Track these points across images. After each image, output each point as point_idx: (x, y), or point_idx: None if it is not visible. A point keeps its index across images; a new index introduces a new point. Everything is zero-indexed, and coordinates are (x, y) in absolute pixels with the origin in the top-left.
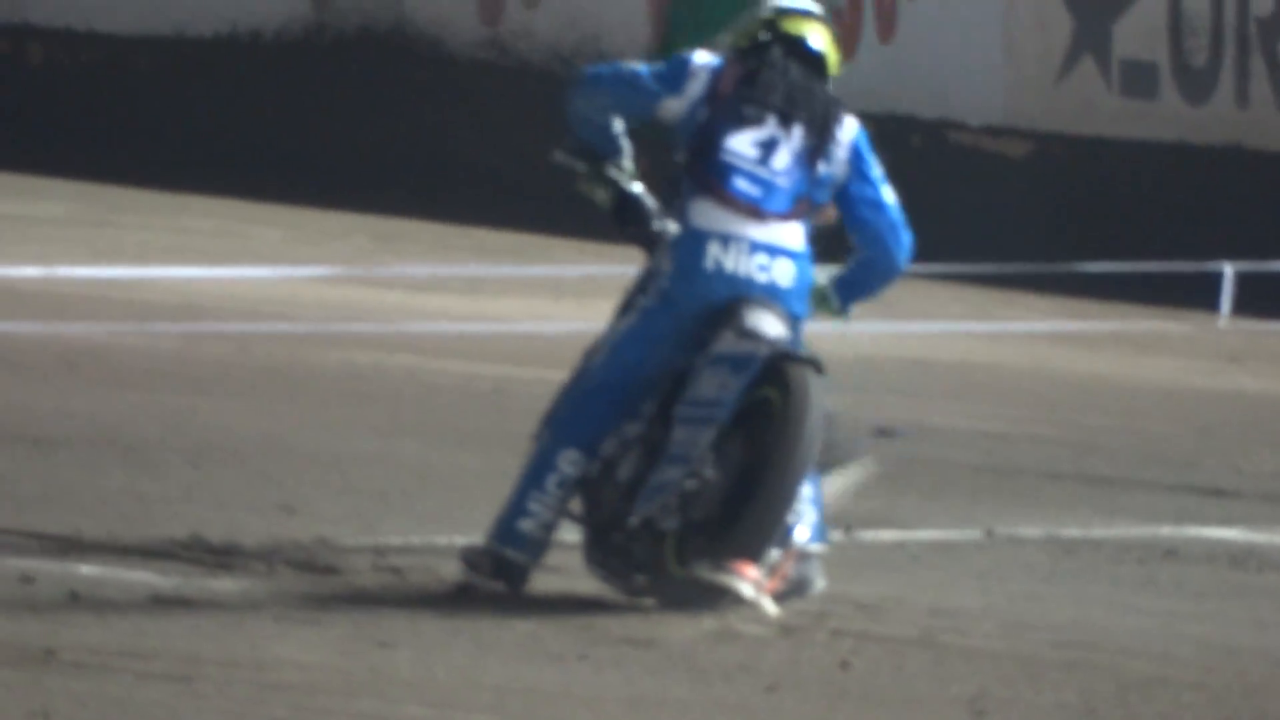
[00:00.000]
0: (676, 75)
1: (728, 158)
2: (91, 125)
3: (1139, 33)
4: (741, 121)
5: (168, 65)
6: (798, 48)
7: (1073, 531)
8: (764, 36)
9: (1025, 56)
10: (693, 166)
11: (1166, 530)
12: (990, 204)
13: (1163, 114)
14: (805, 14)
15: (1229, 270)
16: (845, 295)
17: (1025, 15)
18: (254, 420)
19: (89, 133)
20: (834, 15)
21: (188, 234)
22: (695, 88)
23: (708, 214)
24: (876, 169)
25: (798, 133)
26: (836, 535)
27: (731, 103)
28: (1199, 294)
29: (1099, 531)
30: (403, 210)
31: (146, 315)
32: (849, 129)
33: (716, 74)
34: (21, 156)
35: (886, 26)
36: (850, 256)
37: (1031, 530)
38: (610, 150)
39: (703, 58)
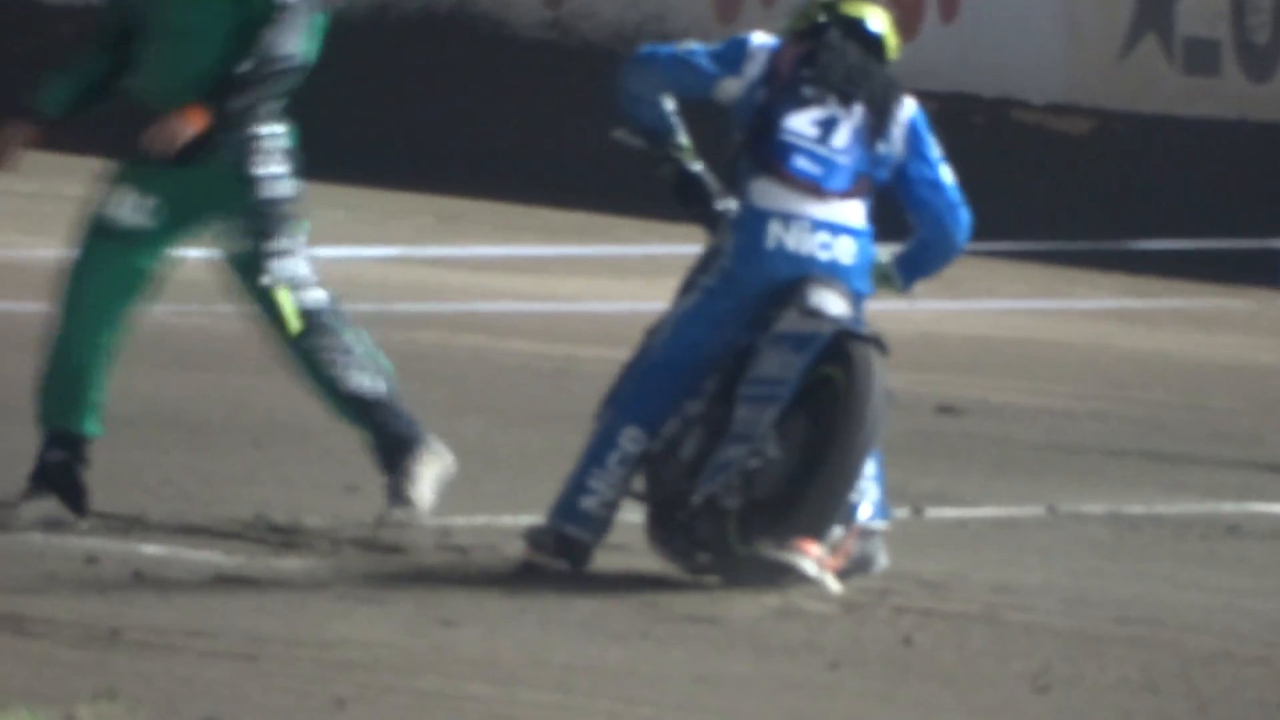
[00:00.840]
0: (735, 56)
1: (788, 137)
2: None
3: (1201, 10)
4: (801, 101)
5: None
6: (856, 29)
7: (1136, 508)
8: (822, 19)
9: (1087, 34)
10: (752, 146)
11: (1229, 507)
12: (1053, 182)
13: (1225, 92)
14: None
15: None
16: (907, 274)
17: None
18: (317, 401)
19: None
20: None
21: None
22: (753, 68)
23: (768, 193)
24: (935, 149)
25: (857, 111)
26: (900, 512)
27: (790, 83)
28: (1261, 271)
29: (1162, 508)
30: (466, 190)
31: (210, 296)
32: (907, 108)
33: (775, 54)
34: (73, 129)
35: (949, 6)
36: (910, 235)
37: (1094, 507)
38: (665, 127)
39: (760, 38)
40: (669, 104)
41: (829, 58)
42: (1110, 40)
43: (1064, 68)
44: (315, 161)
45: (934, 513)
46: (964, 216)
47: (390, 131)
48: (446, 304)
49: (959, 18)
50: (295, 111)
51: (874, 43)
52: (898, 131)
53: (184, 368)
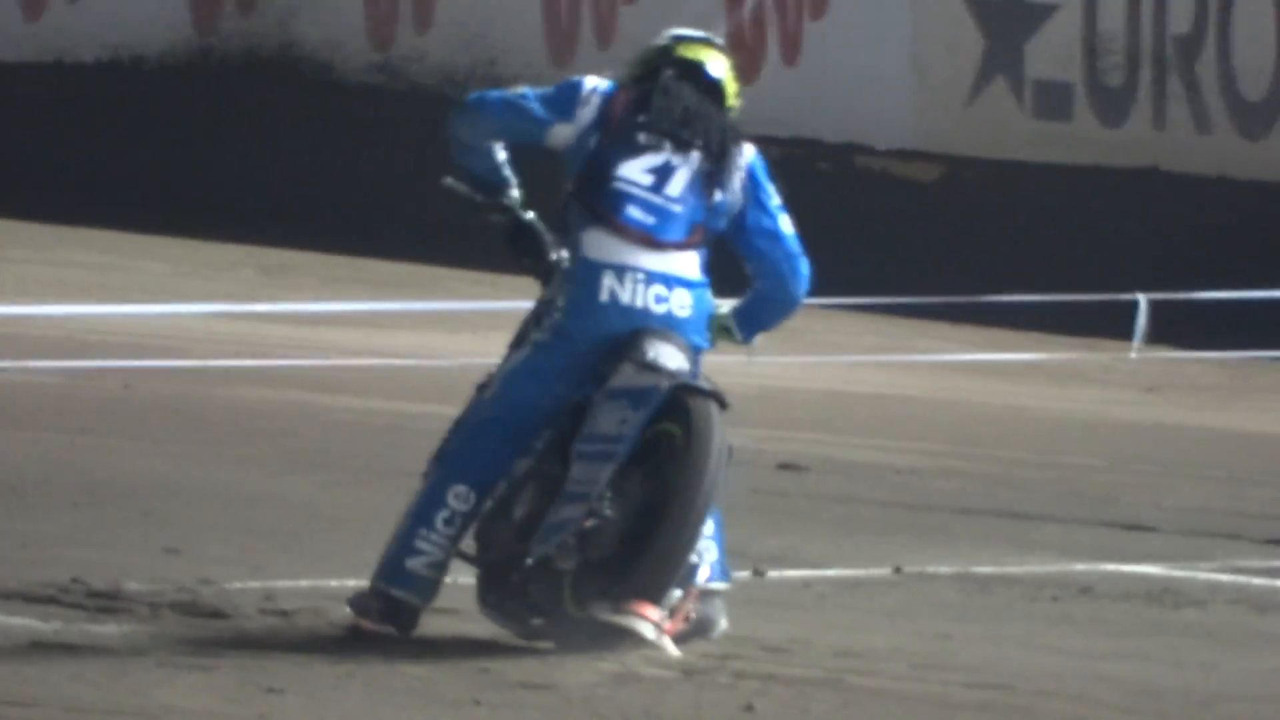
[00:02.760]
0: (567, 100)
1: (620, 185)
2: None
3: (1052, 52)
4: (635, 148)
5: (47, 92)
6: (695, 74)
7: (986, 568)
8: (661, 64)
9: (934, 77)
10: (583, 194)
11: (1083, 566)
12: (901, 230)
13: (1077, 136)
14: (704, 41)
15: (1143, 300)
16: (747, 327)
17: (935, 35)
18: (139, 459)
19: None
20: (736, 37)
21: (69, 267)
22: (586, 113)
23: (601, 244)
24: (774, 197)
25: (694, 158)
26: (741, 574)
27: (624, 129)
28: (1115, 323)
29: (1013, 568)
30: (292, 241)
31: (27, 352)
32: (746, 155)
33: (609, 99)
34: None
35: (791, 48)
36: (748, 287)
37: (943, 567)
38: (497, 178)
39: (594, 82)
40: (501, 152)
41: (664, 102)
42: (958, 83)
43: (911, 112)
44: (134, 211)
45: (776, 574)
46: (803, 267)
47: (212, 179)
48: (272, 359)
49: (801, 60)
50: (110, 158)
51: (713, 88)
52: (736, 179)
53: (0, 425)
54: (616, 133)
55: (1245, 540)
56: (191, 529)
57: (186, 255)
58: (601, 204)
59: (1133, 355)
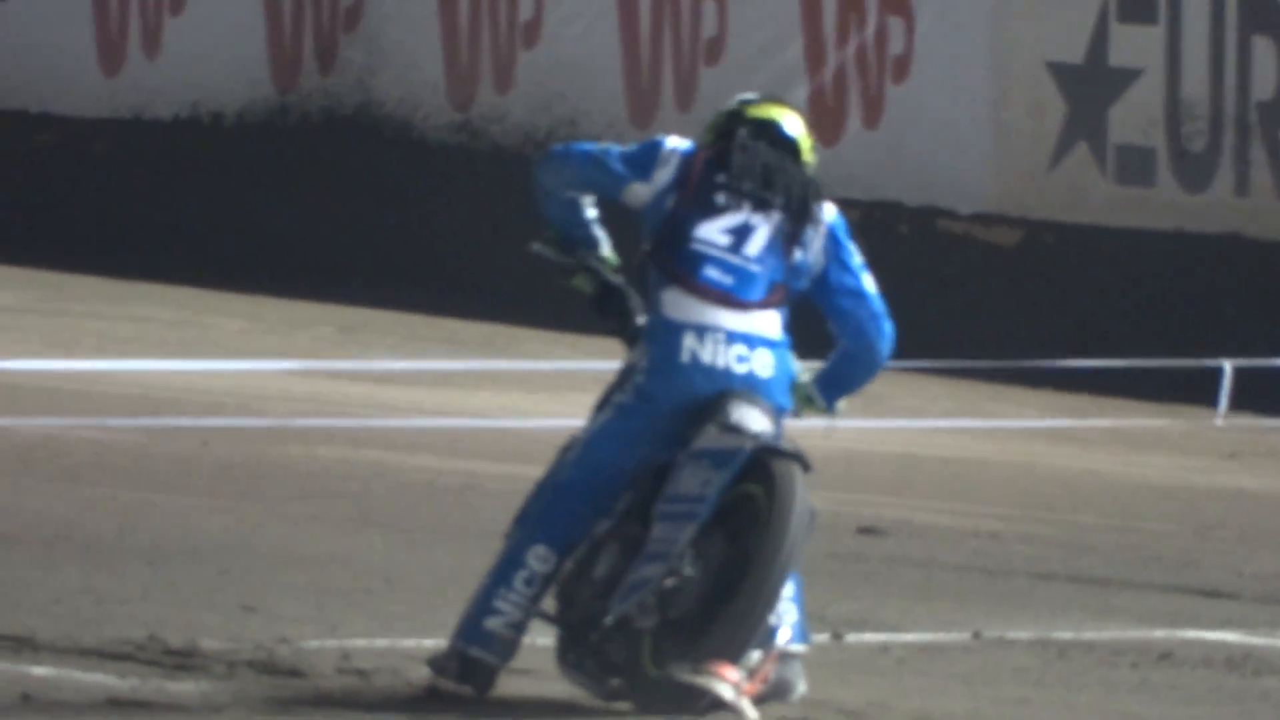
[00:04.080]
0: (647, 160)
1: (698, 246)
2: (46, 211)
3: (1135, 118)
4: (713, 209)
5: (125, 149)
6: (770, 132)
7: (1064, 634)
8: (734, 126)
9: (1016, 141)
10: (660, 256)
11: (1161, 633)
12: (980, 295)
13: (1159, 202)
14: (776, 100)
15: (1228, 366)
16: (829, 392)
17: (1017, 99)
18: (214, 517)
19: (43, 218)
20: (817, 99)
21: (145, 323)
22: (664, 174)
23: (680, 304)
24: (856, 256)
25: (775, 217)
26: (819, 637)
27: (702, 189)
28: (1197, 389)
29: (1091, 634)
30: (369, 300)
31: (103, 409)
32: (827, 213)
33: (687, 159)
34: None
35: (873, 110)
36: (831, 351)
37: (1021, 633)
38: (584, 236)
39: (675, 142)
40: (591, 212)
41: (743, 159)
42: (1040, 147)
43: (992, 176)
44: (211, 267)
45: (854, 638)
46: (888, 328)
47: (290, 237)
48: (349, 419)
49: (882, 123)
50: (187, 215)
51: (789, 145)
52: (816, 238)
53: (75, 482)
54: (694, 193)
55: None
56: (267, 587)
57: (263, 312)
58: (679, 265)
59: (1218, 423)
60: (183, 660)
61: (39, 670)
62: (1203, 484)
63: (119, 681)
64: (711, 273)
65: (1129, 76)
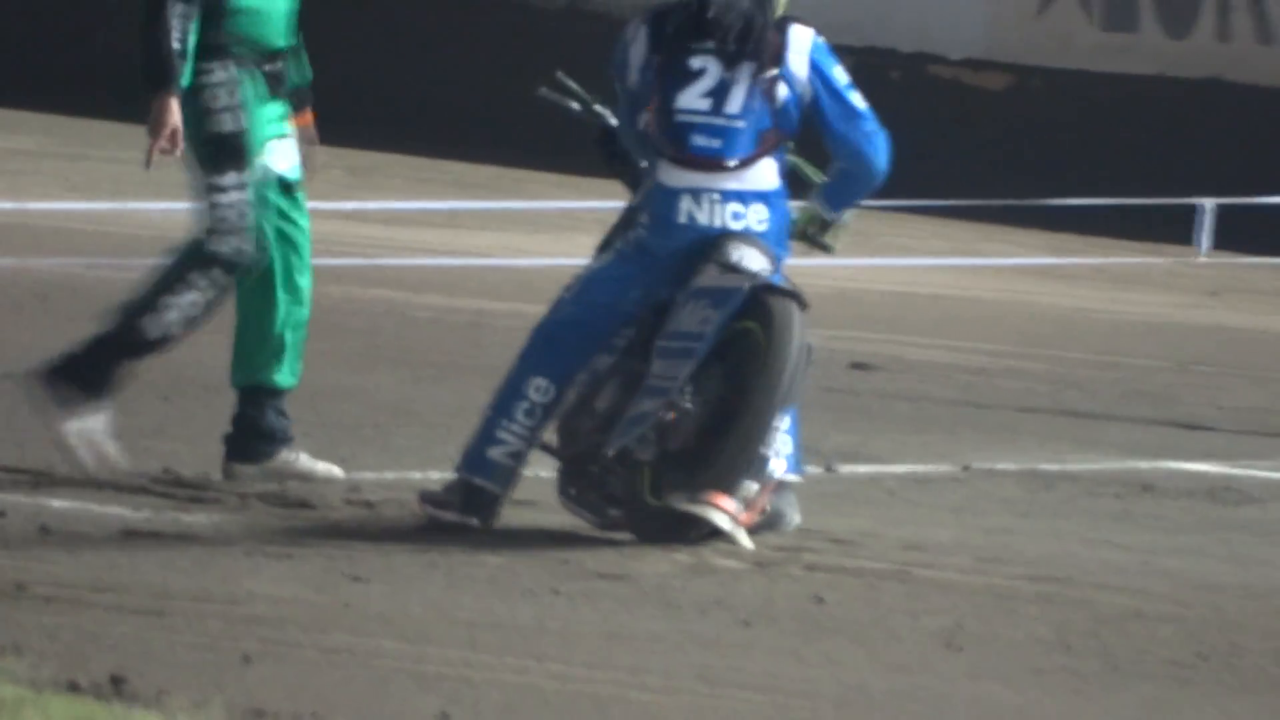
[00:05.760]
0: (621, 54)
1: (682, 117)
2: (62, 57)
3: None
4: (689, 75)
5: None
6: None
7: (1049, 466)
8: None
9: None
10: (652, 131)
11: (1144, 464)
12: (970, 138)
13: (1143, 47)
14: None
15: (1209, 205)
16: (834, 203)
17: None
18: (226, 354)
19: (60, 65)
20: None
21: (162, 167)
22: (638, 50)
23: (674, 174)
24: (841, 76)
25: (748, 66)
26: (813, 469)
27: (674, 57)
28: (1179, 228)
29: (1076, 466)
30: (380, 144)
31: (120, 249)
32: (803, 42)
33: (647, 34)
34: None
35: None
36: (830, 166)
37: (1008, 464)
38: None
39: (627, 31)
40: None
41: (689, 15)
42: None
43: (982, 23)
44: None
45: (847, 469)
46: (881, 141)
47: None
48: (359, 258)
49: None
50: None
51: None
52: (798, 71)
53: (93, 321)
54: (669, 62)
55: None
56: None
57: None
58: (669, 140)
59: (1200, 259)
60: (196, 493)
61: (57, 503)
62: (1184, 320)
63: (134, 514)
64: (699, 140)
65: None
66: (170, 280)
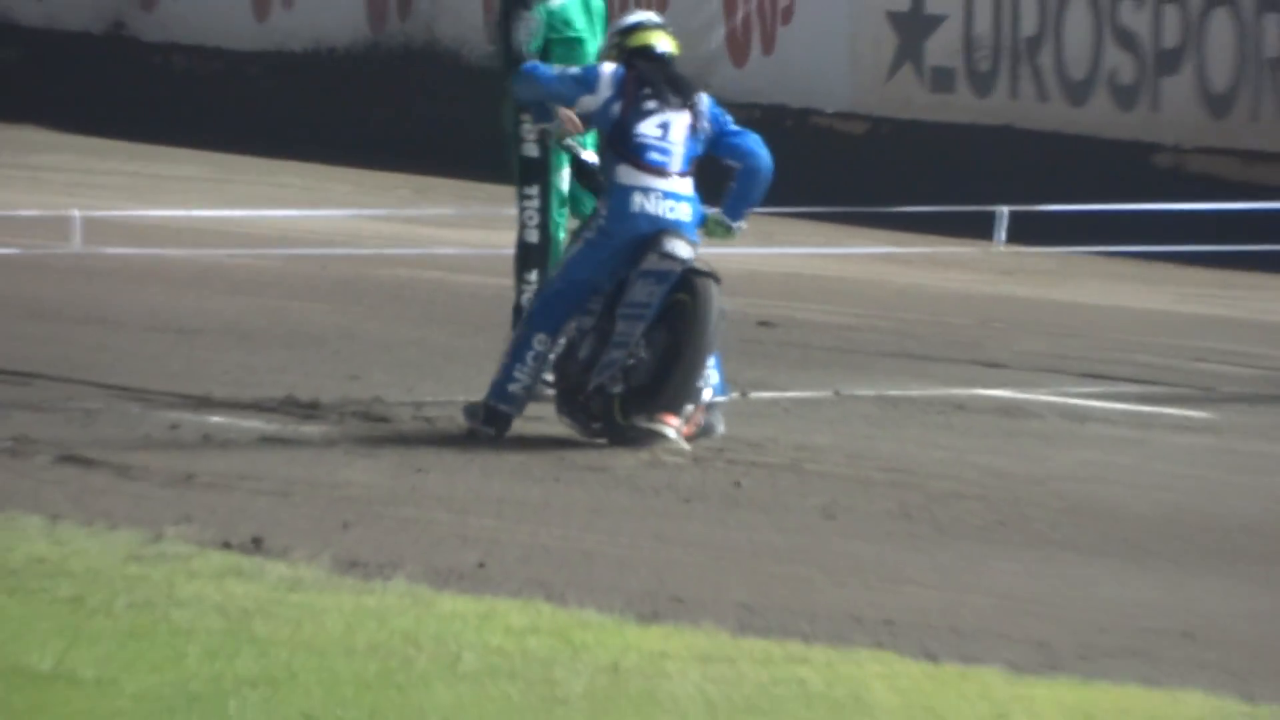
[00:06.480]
0: (592, 79)
1: (640, 139)
2: (218, 113)
3: (942, 47)
4: (646, 113)
5: (271, 72)
6: (650, 52)
7: (895, 392)
8: (630, 46)
9: (865, 63)
10: (616, 145)
11: (959, 391)
12: (840, 166)
13: (958, 104)
14: (649, 26)
15: (1004, 211)
16: (735, 211)
17: (865, 35)
18: (330, 316)
19: (217, 118)
20: (731, 36)
21: (284, 188)
22: (606, 90)
23: (631, 175)
24: (728, 117)
25: (684, 113)
26: (734, 394)
27: (636, 100)
28: (983, 228)
29: (913, 392)
30: (436, 171)
31: (255, 243)
32: (705, 102)
33: (621, 78)
34: (168, 134)
35: (768, 43)
36: (731, 183)
37: (866, 391)
38: (550, 119)
39: (608, 67)
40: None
41: (654, 78)
42: (880, 67)
43: (849, 86)
44: (327, 150)
45: (755, 395)
46: (765, 146)
47: (380, 129)
48: (419, 249)
49: (775, 51)
50: (312, 115)
51: (667, 59)
52: (704, 120)
53: (236, 293)
54: (632, 104)
55: (1068, 374)
56: (366, 363)
57: (362, 179)
58: (630, 152)
59: (998, 250)
60: (309, 412)
61: (214, 418)
62: (987, 292)
63: (267, 425)
64: (652, 155)
65: (938, 20)
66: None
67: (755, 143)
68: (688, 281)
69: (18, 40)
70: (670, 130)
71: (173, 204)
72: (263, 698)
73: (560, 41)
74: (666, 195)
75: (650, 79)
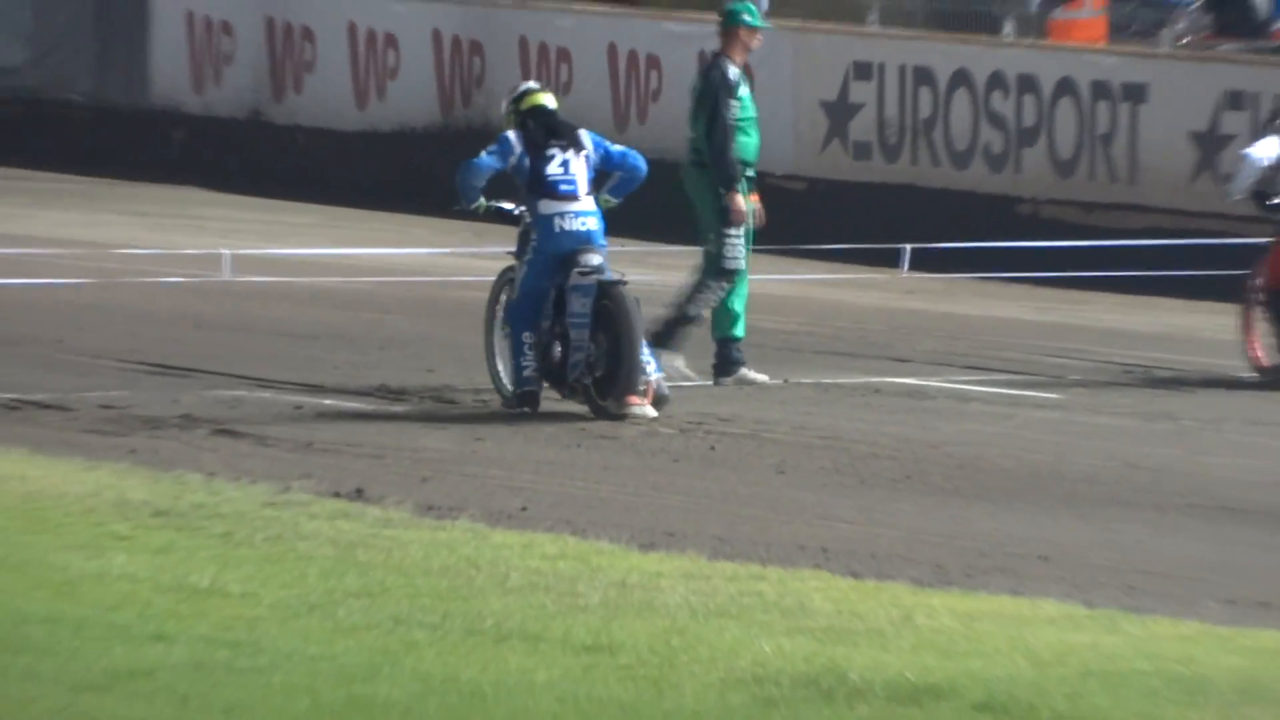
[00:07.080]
0: (507, 148)
1: (551, 177)
2: (329, 177)
3: (863, 128)
4: (549, 158)
5: (368, 146)
6: (543, 111)
7: (827, 380)
8: (524, 109)
9: (805, 138)
10: (534, 187)
11: (875, 379)
12: (788, 215)
13: (874, 168)
14: (534, 90)
15: (907, 247)
16: (617, 194)
17: (806, 117)
18: (414, 325)
19: (328, 181)
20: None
21: (378, 231)
22: (517, 149)
23: (550, 205)
24: (607, 142)
25: (576, 151)
26: (705, 382)
27: (538, 151)
28: (891, 259)
29: (842, 379)
30: (488, 220)
31: (357, 273)
32: (588, 135)
33: (523, 139)
34: (293, 193)
35: None
36: (618, 174)
37: (808, 379)
38: (481, 194)
39: (512, 133)
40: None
41: (548, 129)
42: (816, 140)
43: (791, 153)
44: (410, 204)
45: (724, 380)
46: (642, 159)
47: (449, 189)
48: (476, 276)
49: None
50: (397, 178)
51: (554, 112)
52: (592, 151)
53: (339, 309)
54: (536, 154)
55: (956, 366)
56: (438, 360)
57: (435, 226)
58: (545, 189)
59: (903, 275)
60: (397, 396)
61: (327, 401)
62: (895, 306)
63: (365, 406)
64: (563, 187)
65: (859, 107)
66: (701, 285)
67: (635, 157)
68: (606, 291)
69: (184, 124)
70: (570, 165)
71: (297, 244)
72: (363, 606)
73: (749, 120)
74: (579, 214)
75: (543, 131)
